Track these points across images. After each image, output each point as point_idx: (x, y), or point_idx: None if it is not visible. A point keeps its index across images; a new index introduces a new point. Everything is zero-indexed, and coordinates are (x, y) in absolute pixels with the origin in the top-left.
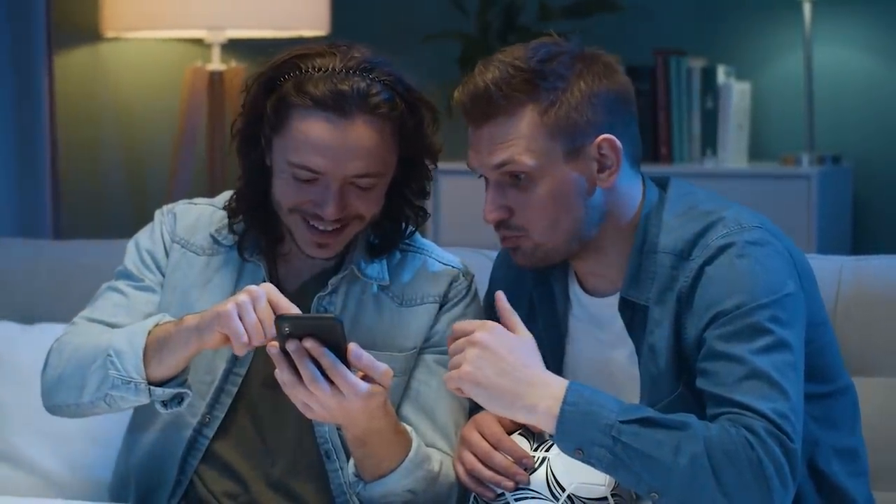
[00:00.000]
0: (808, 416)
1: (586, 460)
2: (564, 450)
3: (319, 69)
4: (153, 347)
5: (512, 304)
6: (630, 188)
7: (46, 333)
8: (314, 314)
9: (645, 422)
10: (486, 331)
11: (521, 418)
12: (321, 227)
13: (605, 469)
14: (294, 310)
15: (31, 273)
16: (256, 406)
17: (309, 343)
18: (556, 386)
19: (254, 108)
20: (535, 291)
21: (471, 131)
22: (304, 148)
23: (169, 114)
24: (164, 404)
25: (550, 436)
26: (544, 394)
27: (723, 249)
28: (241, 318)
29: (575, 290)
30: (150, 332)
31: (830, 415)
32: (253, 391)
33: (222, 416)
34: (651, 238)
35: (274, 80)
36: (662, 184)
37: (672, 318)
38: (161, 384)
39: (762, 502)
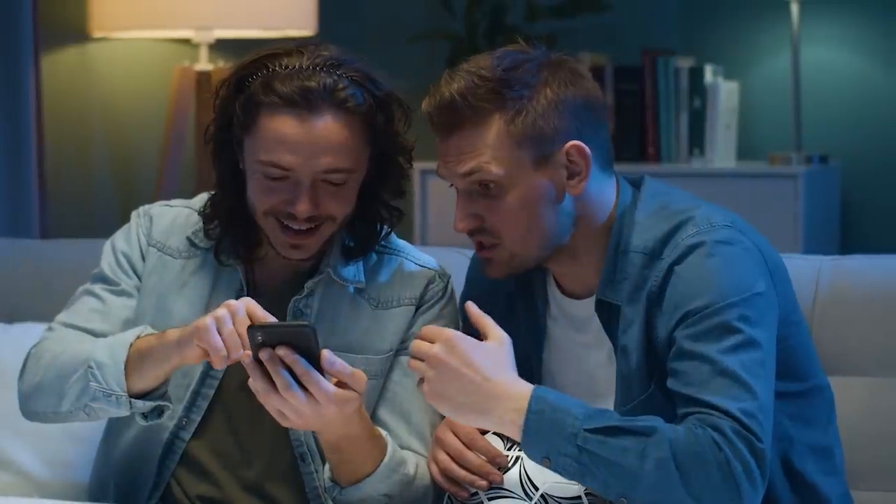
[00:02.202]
0: (783, 414)
1: (553, 468)
2: (532, 458)
3: (287, 67)
4: (134, 360)
5: (490, 305)
6: (602, 192)
7: (28, 333)
8: (286, 322)
9: (610, 430)
10: (442, 345)
11: (490, 428)
12: (295, 227)
13: (572, 477)
14: (270, 319)
15: (13, 272)
16: (232, 409)
17: (282, 351)
18: (520, 396)
19: (224, 110)
20: (516, 294)
21: (438, 141)
22: (272, 145)
23: (156, 113)
24: (144, 416)
25: None
26: (508, 406)
27: (692, 249)
28: (219, 332)
29: (553, 292)
30: (131, 345)
31: (804, 413)
32: (229, 394)
33: (199, 418)
34: (625, 238)
35: (242, 81)
36: (636, 183)
37: (643, 317)
38: (141, 396)
39: (731, 503)
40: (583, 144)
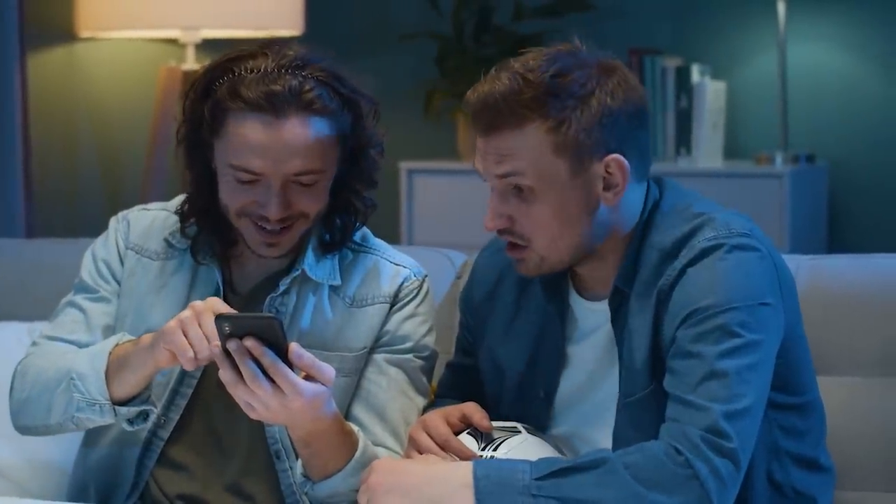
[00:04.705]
0: (776, 425)
1: None
2: None
3: (252, 71)
4: (114, 368)
5: (497, 296)
6: (634, 203)
7: (8, 332)
8: (253, 313)
9: (560, 472)
10: (370, 473)
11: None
12: (268, 227)
13: None
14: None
15: None
16: (210, 408)
17: (249, 342)
18: (462, 469)
19: (193, 113)
20: (543, 293)
21: (477, 137)
22: (241, 150)
23: (143, 113)
24: (130, 422)
25: (498, 435)
26: (455, 484)
27: (707, 252)
28: (185, 334)
29: (573, 295)
30: (110, 353)
31: (798, 426)
32: (207, 393)
33: (177, 417)
34: (647, 238)
35: (209, 85)
36: (657, 181)
37: (651, 313)
38: (125, 402)
39: (700, 501)
40: (623, 159)
